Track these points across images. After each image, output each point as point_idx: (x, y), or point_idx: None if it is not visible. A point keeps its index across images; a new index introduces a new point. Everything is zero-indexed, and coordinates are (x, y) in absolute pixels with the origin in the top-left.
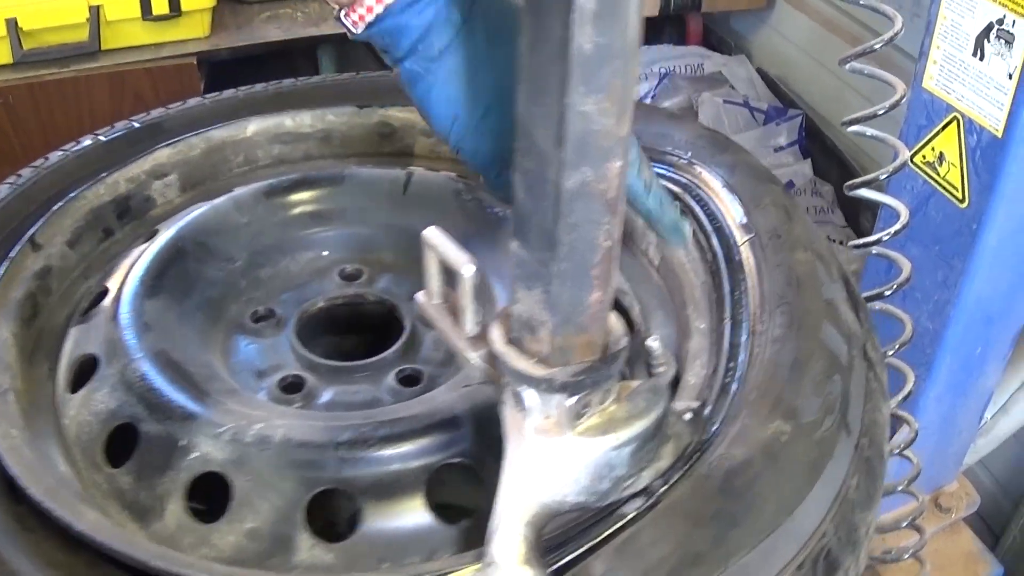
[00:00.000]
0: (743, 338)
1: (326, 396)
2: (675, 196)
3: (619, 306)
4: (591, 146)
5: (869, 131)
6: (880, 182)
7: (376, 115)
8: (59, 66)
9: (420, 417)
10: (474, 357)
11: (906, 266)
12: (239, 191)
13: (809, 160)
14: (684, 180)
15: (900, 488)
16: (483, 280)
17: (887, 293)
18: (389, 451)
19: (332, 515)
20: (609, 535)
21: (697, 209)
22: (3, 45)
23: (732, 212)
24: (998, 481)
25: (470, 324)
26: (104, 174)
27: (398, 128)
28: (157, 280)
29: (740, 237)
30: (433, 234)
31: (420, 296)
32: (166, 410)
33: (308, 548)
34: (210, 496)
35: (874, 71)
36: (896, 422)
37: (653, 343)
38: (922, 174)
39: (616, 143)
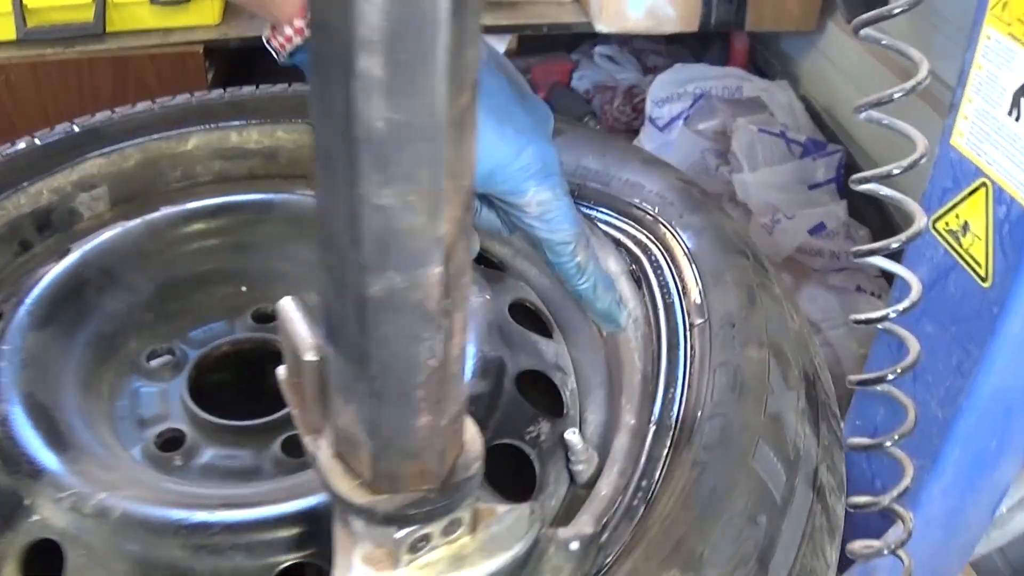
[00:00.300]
0: (664, 451)
1: (205, 457)
2: (633, 259)
3: (550, 384)
4: (396, 248)
5: (883, 190)
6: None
7: None
8: (63, 46)
9: (278, 503)
10: (311, 455)
11: (914, 348)
12: (154, 215)
13: (845, 201)
14: (644, 240)
15: None
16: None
17: (890, 377)
18: (233, 542)
19: None
20: None
21: (652, 277)
22: (7, 22)
23: (689, 287)
24: (1012, 566)
25: (312, 416)
26: (26, 183)
27: None
28: (49, 310)
29: (689, 320)
30: (287, 306)
31: (280, 371)
32: (16, 462)
33: None
34: (49, 566)
35: (894, 123)
36: (890, 517)
37: (572, 436)
38: (943, 243)
39: (431, 245)
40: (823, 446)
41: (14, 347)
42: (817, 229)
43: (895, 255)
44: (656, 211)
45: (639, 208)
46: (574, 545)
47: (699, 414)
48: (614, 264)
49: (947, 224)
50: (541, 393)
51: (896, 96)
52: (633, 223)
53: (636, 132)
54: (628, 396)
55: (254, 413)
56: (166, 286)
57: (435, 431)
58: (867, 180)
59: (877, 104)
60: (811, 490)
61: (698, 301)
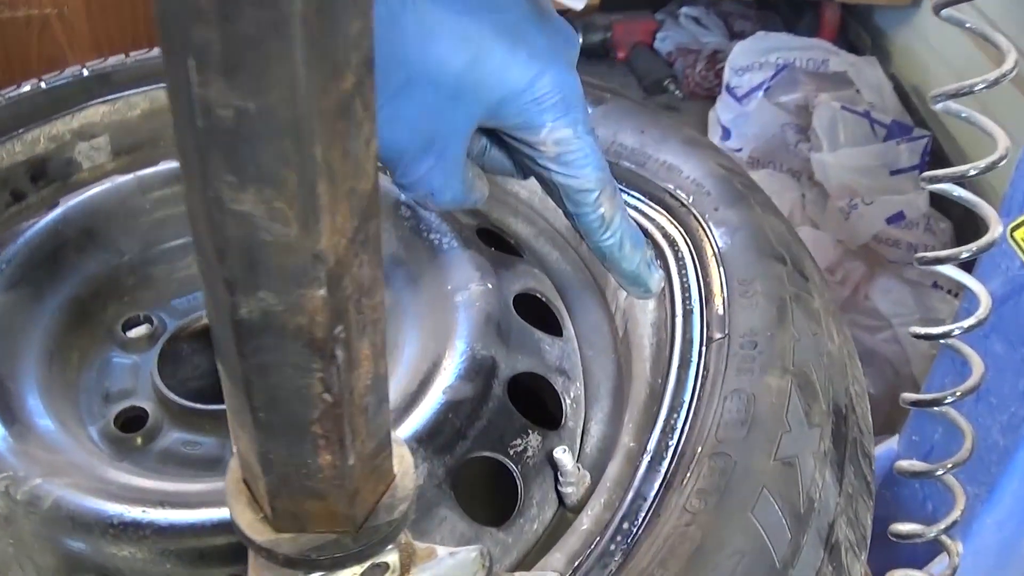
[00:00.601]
0: (654, 489)
1: (167, 441)
2: (657, 254)
3: (550, 390)
4: (265, 264)
5: (957, 191)
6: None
7: None
8: None
9: (221, 507)
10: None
11: (978, 369)
12: (146, 171)
13: (927, 192)
14: (673, 233)
15: None
16: None
17: (948, 400)
18: (164, 547)
19: None
20: None
21: (675, 278)
22: None
23: (713, 294)
24: None
25: None
26: (23, 129)
27: None
28: (20, 270)
29: (708, 333)
30: None
31: None
32: None
33: None
34: None
35: (973, 116)
36: (934, 546)
37: (562, 455)
38: (1021, 254)
39: (309, 263)
40: (846, 495)
41: None
42: (896, 218)
43: (967, 265)
44: (690, 201)
45: (673, 196)
46: None
47: (699, 450)
48: None
49: None
50: (539, 399)
51: (977, 88)
52: (664, 212)
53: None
54: (631, 413)
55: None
56: (153, 249)
57: (341, 471)
58: (939, 180)
59: (956, 95)
60: (823, 549)
61: (720, 312)
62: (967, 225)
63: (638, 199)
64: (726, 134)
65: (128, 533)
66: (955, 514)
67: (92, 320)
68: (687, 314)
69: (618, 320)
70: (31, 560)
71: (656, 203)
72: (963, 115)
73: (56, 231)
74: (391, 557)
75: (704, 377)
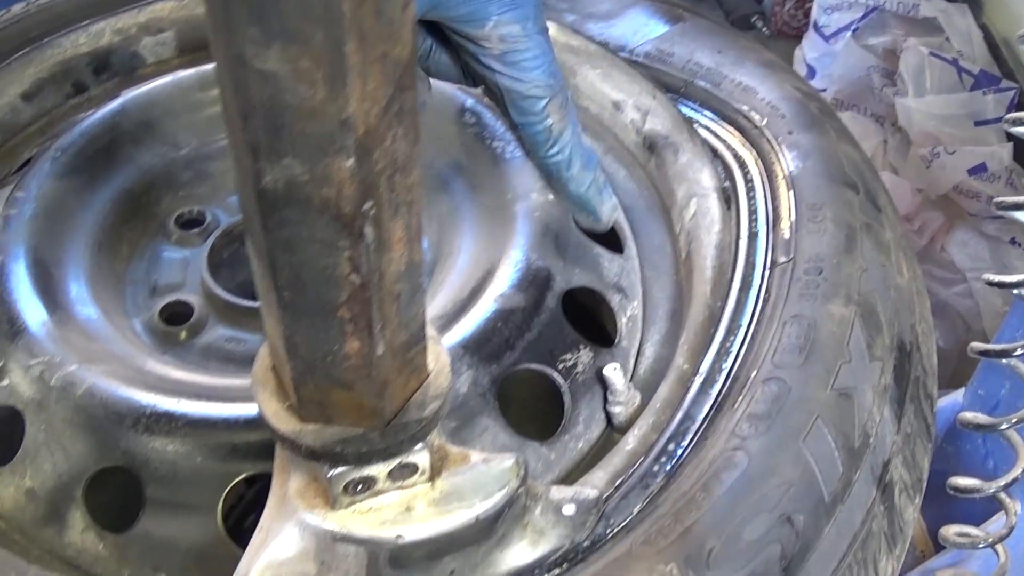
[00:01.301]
0: (703, 412)
1: (211, 336)
2: (727, 175)
3: (606, 307)
4: (291, 129)
5: None
6: None
7: None
8: None
9: (249, 404)
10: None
11: None
12: (209, 66)
13: (1012, 144)
14: (744, 155)
15: None
16: None
17: (1018, 351)
18: (195, 440)
19: (117, 498)
20: None
21: (743, 200)
22: None
23: (781, 218)
24: None
25: None
26: (88, 21)
27: None
28: (76, 158)
29: (773, 257)
30: None
31: None
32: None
33: (80, 530)
34: (14, 436)
35: None
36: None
37: (612, 373)
38: None
39: (337, 129)
40: (904, 434)
41: (28, 195)
42: (978, 169)
43: None
44: (764, 123)
45: (746, 117)
46: (568, 509)
47: (753, 374)
48: (707, 179)
49: None
50: (596, 315)
51: None
52: (737, 132)
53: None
54: (687, 335)
55: None
56: (212, 145)
57: (369, 360)
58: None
59: None
60: (875, 487)
61: (787, 236)
62: None
63: (711, 119)
64: (811, 72)
65: (160, 424)
66: (1017, 471)
67: (145, 213)
68: (752, 237)
69: (682, 241)
70: (61, 447)
71: (729, 123)
72: None
73: (114, 122)
74: (421, 458)
75: (765, 301)
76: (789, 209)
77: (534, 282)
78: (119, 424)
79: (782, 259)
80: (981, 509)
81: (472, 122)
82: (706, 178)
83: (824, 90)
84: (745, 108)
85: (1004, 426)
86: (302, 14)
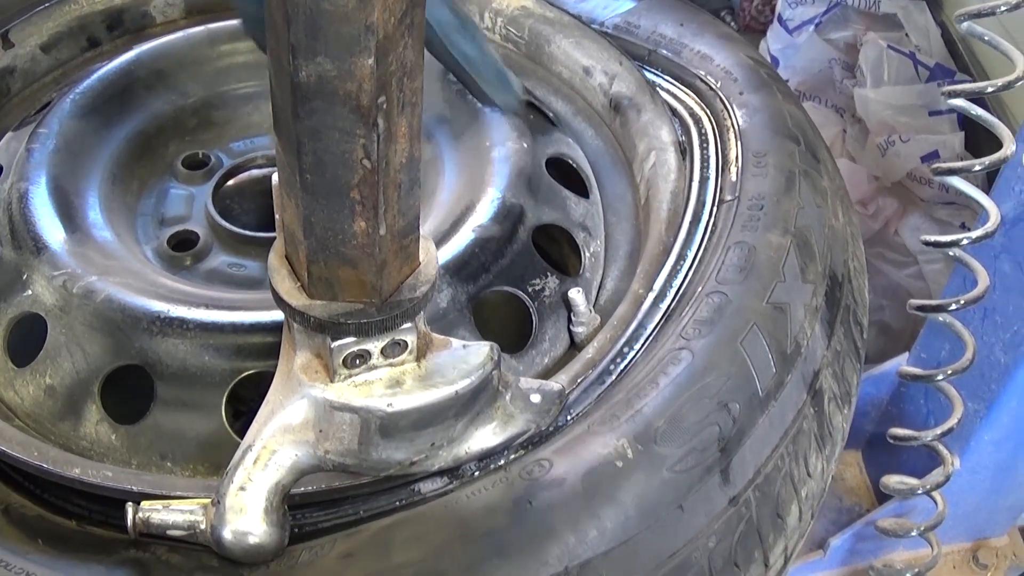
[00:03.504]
0: (653, 322)
1: (214, 262)
2: (683, 130)
3: (571, 242)
4: (325, 31)
5: (974, 110)
6: (974, 174)
7: None
8: None
9: (257, 311)
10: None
11: (983, 281)
12: (217, 24)
13: (963, 133)
14: (700, 113)
15: (915, 532)
16: None
17: (953, 307)
18: (205, 341)
19: (130, 395)
20: (372, 516)
21: (696, 150)
22: None
23: (729, 164)
24: None
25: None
26: None
27: None
28: (93, 100)
29: (720, 196)
30: None
31: (275, 176)
32: (23, 238)
33: (94, 423)
34: (33, 341)
35: (995, 39)
36: (937, 461)
37: (576, 295)
38: None
39: (362, 32)
40: (834, 351)
41: (49, 131)
42: (930, 157)
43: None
44: (718, 86)
45: (703, 81)
46: (535, 397)
47: (699, 289)
48: (666, 134)
49: None
50: (564, 252)
51: (1002, 10)
52: (694, 95)
53: None
54: (643, 265)
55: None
56: (216, 95)
57: (372, 239)
58: (959, 94)
59: (978, 15)
60: (806, 391)
61: (733, 179)
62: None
63: (671, 83)
64: (774, 63)
65: (173, 327)
66: (952, 421)
67: (155, 153)
68: (703, 181)
69: (642, 189)
70: (80, 347)
71: (687, 87)
72: (985, 38)
73: (129, 70)
74: (410, 337)
75: (712, 232)
76: (736, 157)
77: (508, 216)
78: (135, 327)
79: (728, 197)
80: (923, 467)
81: (455, 80)
82: (665, 134)
83: (787, 81)
84: (702, 73)
85: (940, 377)
86: None
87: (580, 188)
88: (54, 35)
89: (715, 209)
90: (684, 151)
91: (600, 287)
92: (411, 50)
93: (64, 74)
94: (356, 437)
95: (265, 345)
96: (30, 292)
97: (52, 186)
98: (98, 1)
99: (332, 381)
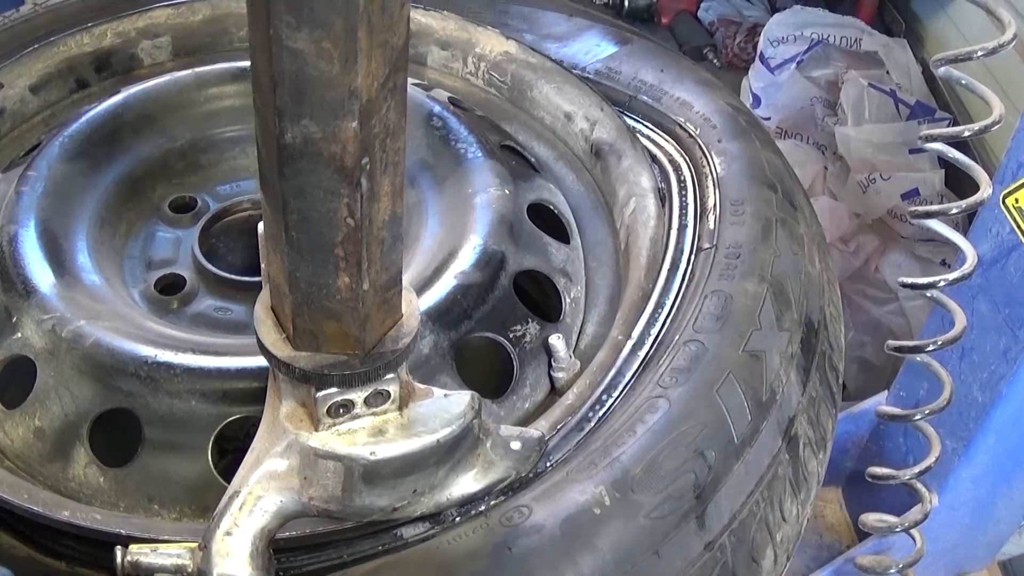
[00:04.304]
0: (632, 369)
1: (201, 305)
2: (663, 177)
3: (552, 287)
4: (311, 96)
5: (951, 153)
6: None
7: None
8: None
9: (241, 356)
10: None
11: (960, 321)
12: (204, 68)
13: (943, 171)
14: (679, 160)
15: (894, 570)
16: None
17: (930, 348)
18: (191, 386)
19: (118, 438)
20: (356, 560)
21: (675, 198)
22: None
23: (707, 212)
24: None
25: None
26: (92, 23)
27: (415, 32)
28: (81, 144)
29: (698, 244)
30: None
31: (260, 225)
32: (12, 281)
33: (83, 465)
34: (22, 384)
35: (972, 83)
36: (916, 497)
37: (556, 341)
38: (1011, 220)
39: (346, 97)
40: (809, 396)
41: (39, 175)
42: (911, 194)
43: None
44: (697, 132)
45: (682, 128)
46: (515, 444)
47: (676, 338)
48: (646, 181)
49: (1017, 201)
50: (545, 297)
51: (977, 56)
52: (673, 141)
53: None
54: (623, 311)
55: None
56: (204, 139)
57: (356, 294)
58: (936, 138)
59: (956, 60)
60: (781, 438)
61: (711, 227)
62: None
63: (651, 130)
64: (756, 101)
65: (160, 371)
66: (930, 459)
67: (142, 196)
68: (682, 228)
69: (622, 235)
70: (69, 391)
71: (667, 133)
72: (963, 82)
73: (116, 113)
74: (393, 387)
75: (690, 280)
76: (715, 204)
77: (490, 263)
78: (123, 371)
79: (706, 245)
80: (902, 504)
81: (439, 126)
82: (645, 180)
83: (768, 119)
84: (682, 120)
85: (918, 417)
86: (327, 6)
87: (561, 233)
88: (43, 76)
89: (693, 257)
90: (664, 198)
91: (580, 332)
92: (393, 112)
93: (53, 115)
94: (340, 484)
95: (251, 390)
96: (19, 335)
97: (41, 229)
98: (87, 43)
99: (316, 430)
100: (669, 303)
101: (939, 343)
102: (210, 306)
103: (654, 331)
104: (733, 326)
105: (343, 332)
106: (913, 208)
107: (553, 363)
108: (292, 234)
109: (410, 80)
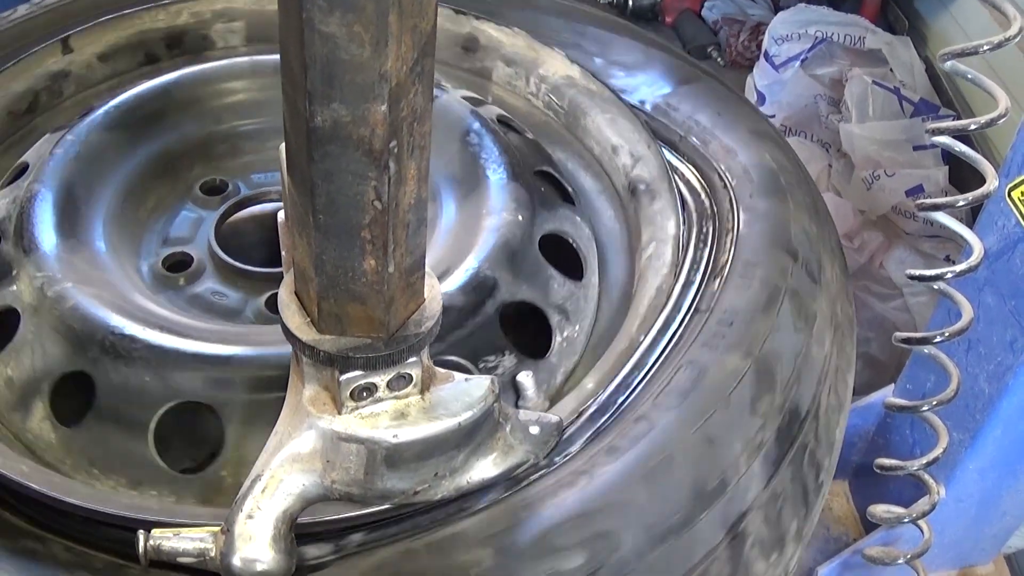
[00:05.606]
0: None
1: (200, 287)
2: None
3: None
4: (341, 79)
5: (958, 146)
6: (958, 210)
7: (468, 25)
8: None
9: (207, 343)
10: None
11: (967, 313)
12: (261, 56)
13: (947, 168)
14: (707, 209)
15: (902, 560)
16: None
17: (937, 339)
18: (143, 363)
19: (73, 400)
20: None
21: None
22: None
23: (717, 272)
24: None
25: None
26: (170, 1)
27: (484, 46)
28: (125, 116)
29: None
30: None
31: (281, 213)
32: (21, 237)
33: (39, 419)
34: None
35: (978, 77)
36: (922, 489)
37: (525, 379)
38: (1016, 213)
39: (376, 80)
40: (772, 492)
41: (75, 139)
42: (915, 191)
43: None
44: (733, 183)
45: (721, 176)
46: (534, 429)
47: (632, 412)
48: (671, 227)
49: (1023, 194)
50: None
51: (984, 50)
52: (707, 188)
53: None
54: (605, 360)
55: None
56: (250, 125)
57: (381, 277)
58: (943, 132)
59: (962, 54)
60: (723, 532)
61: (714, 289)
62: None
63: (692, 171)
64: (761, 99)
65: (123, 343)
66: (937, 451)
67: (177, 174)
68: (687, 284)
69: (635, 280)
70: (42, 347)
71: (704, 179)
72: (969, 76)
73: (167, 91)
74: (415, 370)
75: (676, 345)
76: (726, 263)
77: (478, 288)
78: (90, 337)
79: (703, 308)
80: (908, 497)
81: (474, 143)
82: (671, 226)
83: (773, 116)
84: (722, 168)
85: (925, 408)
86: None
87: (575, 268)
88: (112, 46)
89: (687, 319)
90: (682, 248)
91: (571, 374)
92: (421, 96)
93: (119, 85)
94: (362, 467)
95: (200, 378)
96: (15, 288)
97: (63, 192)
98: (161, 20)
99: (339, 413)
100: (646, 368)
101: (946, 335)
102: (208, 289)
103: (621, 398)
104: (694, 403)
105: (368, 315)
106: (920, 201)
107: (520, 401)
108: (320, 217)
109: (461, 93)
